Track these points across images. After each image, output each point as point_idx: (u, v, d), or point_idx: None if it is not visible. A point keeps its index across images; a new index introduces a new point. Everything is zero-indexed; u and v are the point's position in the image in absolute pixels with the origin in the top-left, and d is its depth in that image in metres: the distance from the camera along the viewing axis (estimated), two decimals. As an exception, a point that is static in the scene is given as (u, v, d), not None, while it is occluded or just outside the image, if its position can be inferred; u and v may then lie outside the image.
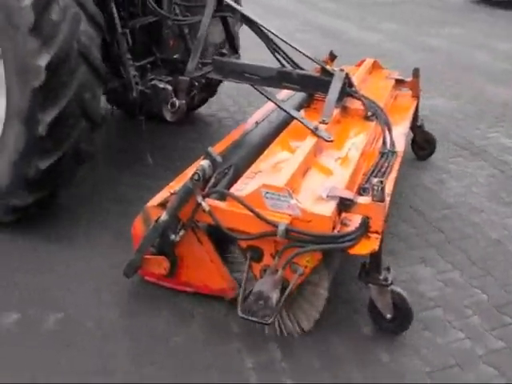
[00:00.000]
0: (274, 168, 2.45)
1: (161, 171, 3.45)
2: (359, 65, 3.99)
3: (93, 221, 3.09)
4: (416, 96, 3.83)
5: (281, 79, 3.06)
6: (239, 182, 2.37)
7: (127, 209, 2.92)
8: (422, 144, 4.01)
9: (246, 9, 3.16)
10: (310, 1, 10.25)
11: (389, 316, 2.34)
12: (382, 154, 2.88)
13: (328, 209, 2.17)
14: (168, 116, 3.00)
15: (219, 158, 2.24)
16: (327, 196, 2.25)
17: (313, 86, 3.08)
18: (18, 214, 2.89)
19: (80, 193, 3.31)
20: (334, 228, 2.17)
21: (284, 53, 3.15)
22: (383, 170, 2.72)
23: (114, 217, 3.10)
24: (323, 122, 2.78)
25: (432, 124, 4.38)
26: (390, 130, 3.05)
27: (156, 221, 2.34)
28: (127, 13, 3.21)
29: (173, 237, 2.34)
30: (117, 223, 3.01)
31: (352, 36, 7.75)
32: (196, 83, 3.14)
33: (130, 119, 4.17)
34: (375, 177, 2.51)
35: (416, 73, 3.80)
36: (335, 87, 2.93)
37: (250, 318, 2.19)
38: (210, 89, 4.07)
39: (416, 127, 3.94)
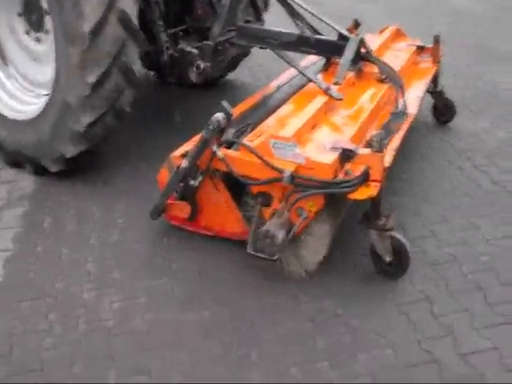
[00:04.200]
0: (284, 122, 2.68)
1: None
2: (382, 32, 4.14)
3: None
4: (436, 62, 3.95)
5: (299, 44, 3.27)
6: (252, 134, 2.62)
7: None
8: (442, 109, 4.14)
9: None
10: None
11: (388, 259, 2.57)
12: (393, 115, 3.07)
13: (330, 158, 2.39)
14: (193, 77, 3.27)
15: (231, 111, 2.48)
16: (331, 147, 2.47)
17: (329, 50, 3.28)
18: (67, 164, 3.23)
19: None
20: (335, 176, 2.40)
21: (304, 20, 3.35)
22: (391, 128, 2.92)
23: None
24: (336, 83, 2.98)
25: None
26: (403, 93, 3.22)
27: (177, 168, 2.62)
28: None
29: (192, 182, 2.62)
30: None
31: None
32: (220, 48, 3.37)
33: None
34: None
35: (437, 39, 3.91)
36: (349, 51, 3.11)
37: (258, 254, 2.47)
38: (231, 63, 4.27)
39: (436, 93, 4.07)
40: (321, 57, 3.54)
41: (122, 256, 2.75)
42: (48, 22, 3.18)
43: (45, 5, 3.14)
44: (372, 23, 4.88)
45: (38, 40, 3.38)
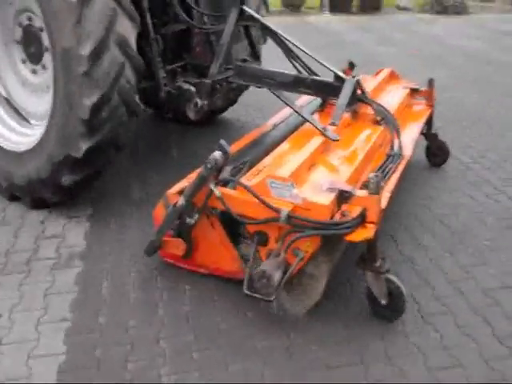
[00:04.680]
0: (281, 162, 2.70)
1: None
2: (377, 74, 4.22)
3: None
4: (430, 105, 4.02)
5: (296, 84, 3.32)
6: (249, 173, 2.63)
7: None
8: (436, 151, 4.19)
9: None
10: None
11: (383, 302, 2.54)
12: (389, 157, 3.10)
13: (327, 199, 2.39)
14: (191, 114, 3.31)
15: (229, 149, 2.49)
16: (327, 188, 2.48)
17: (325, 91, 3.33)
18: (65, 193, 3.15)
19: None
20: (332, 217, 2.39)
21: (301, 60, 3.41)
22: (387, 170, 2.95)
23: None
24: (332, 124, 3.01)
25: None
26: (398, 135, 3.26)
27: (174, 205, 2.61)
28: (160, 20, 3.52)
29: (188, 220, 2.61)
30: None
31: None
32: (218, 86, 3.42)
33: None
34: None
35: (431, 83, 3.99)
36: (345, 92, 3.16)
37: (253, 294, 2.44)
38: (231, 98, 4.32)
39: (430, 135, 4.12)
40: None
41: (198, 331, 2.44)
42: (44, 37, 3.15)
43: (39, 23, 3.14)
44: (390, 66, 4.74)
45: (43, 67, 3.35)
